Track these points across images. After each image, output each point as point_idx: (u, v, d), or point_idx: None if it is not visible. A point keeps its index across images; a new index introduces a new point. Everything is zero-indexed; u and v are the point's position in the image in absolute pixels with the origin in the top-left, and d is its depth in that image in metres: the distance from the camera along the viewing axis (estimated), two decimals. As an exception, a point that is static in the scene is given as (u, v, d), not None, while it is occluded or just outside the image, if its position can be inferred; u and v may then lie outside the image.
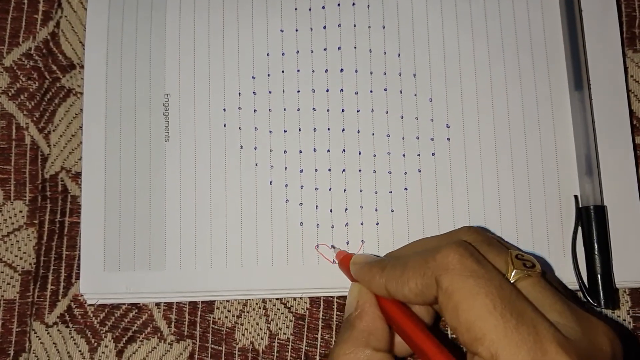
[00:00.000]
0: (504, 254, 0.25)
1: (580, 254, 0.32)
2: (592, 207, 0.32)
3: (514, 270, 0.25)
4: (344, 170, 0.33)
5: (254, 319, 0.33)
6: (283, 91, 0.34)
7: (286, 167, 0.34)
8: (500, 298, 0.23)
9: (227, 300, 0.33)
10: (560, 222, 0.33)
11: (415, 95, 0.34)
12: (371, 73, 0.34)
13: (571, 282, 0.32)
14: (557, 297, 0.24)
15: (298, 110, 0.34)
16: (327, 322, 0.33)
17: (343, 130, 0.34)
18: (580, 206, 0.32)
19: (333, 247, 0.33)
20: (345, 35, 0.35)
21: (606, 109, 0.33)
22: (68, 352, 0.33)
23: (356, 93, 0.34)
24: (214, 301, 0.33)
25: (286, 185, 0.33)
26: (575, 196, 0.32)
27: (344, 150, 0.34)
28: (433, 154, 0.33)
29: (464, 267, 0.24)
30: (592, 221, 0.32)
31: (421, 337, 0.25)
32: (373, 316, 0.27)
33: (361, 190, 0.33)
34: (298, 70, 0.34)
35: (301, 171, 0.34)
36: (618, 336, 0.24)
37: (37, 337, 0.33)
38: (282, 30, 0.35)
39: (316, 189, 0.33)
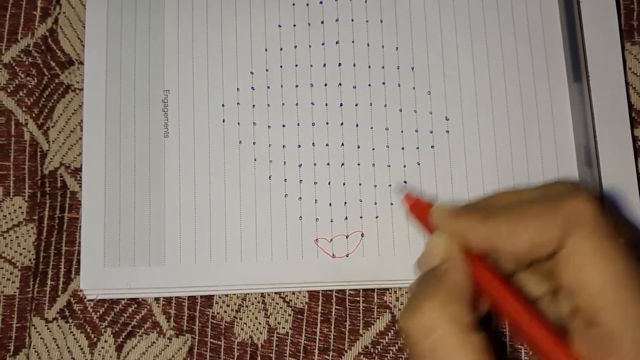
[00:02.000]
0: None
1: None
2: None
3: None
4: (342, 164, 0.33)
5: (253, 314, 0.33)
6: (281, 86, 0.34)
7: (285, 162, 0.34)
8: (632, 270, 0.20)
9: (226, 295, 0.33)
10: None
11: (414, 88, 0.34)
12: (369, 67, 0.34)
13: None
14: None
15: (296, 104, 0.34)
16: (326, 316, 0.33)
17: (342, 124, 0.34)
18: None
19: (405, 182, 0.30)
20: (343, 29, 0.35)
21: (605, 101, 0.33)
22: (68, 347, 0.33)
23: (354, 87, 0.34)
24: (213, 296, 0.33)
25: (285, 180, 0.33)
26: None
27: (342, 144, 0.34)
28: (432, 147, 0.33)
29: (598, 224, 0.21)
30: None
31: (516, 305, 0.22)
32: (464, 272, 0.23)
33: (360, 184, 0.33)
34: (296, 65, 0.34)
35: (300, 165, 0.34)
36: None
37: (37, 332, 0.33)
38: (280, 26, 0.35)
39: (315, 183, 0.33)
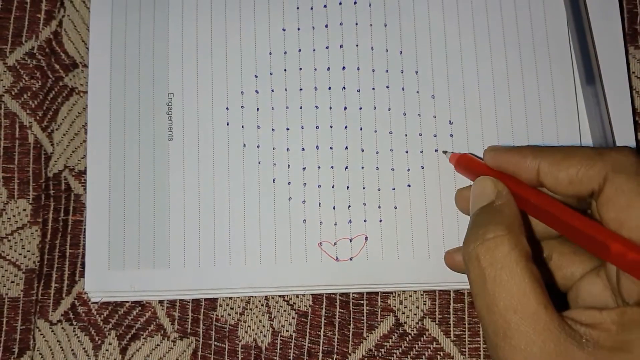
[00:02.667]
0: None
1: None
2: None
3: None
4: (346, 168, 0.34)
5: (257, 316, 0.33)
6: (285, 89, 0.34)
7: (289, 165, 0.34)
8: None
9: (230, 298, 0.33)
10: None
11: (418, 92, 0.34)
12: (373, 71, 0.34)
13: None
14: None
15: (300, 108, 0.34)
16: (329, 319, 0.33)
17: (346, 127, 0.34)
18: None
19: (445, 152, 0.33)
20: (347, 33, 0.35)
21: (609, 106, 0.33)
22: (72, 350, 0.33)
23: (358, 91, 0.34)
24: (217, 298, 0.33)
25: (289, 183, 0.34)
26: None
27: (346, 148, 0.34)
28: (436, 151, 0.33)
29: (639, 172, 0.23)
30: None
31: (570, 213, 0.24)
32: (517, 207, 0.26)
33: (364, 188, 0.33)
34: (300, 69, 0.34)
35: (304, 169, 0.34)
36: None
37: (41, 334, 0.34)
38: (284, 29, 0.35)
39: (319, 186, 0.33)
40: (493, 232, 0.24)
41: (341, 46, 0.35)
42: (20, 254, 0.34)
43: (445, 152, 0.33)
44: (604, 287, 0.25)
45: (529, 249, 0.24)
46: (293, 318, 0.33)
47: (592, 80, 0.33)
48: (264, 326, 0.33)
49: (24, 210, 0.35)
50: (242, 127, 0.34)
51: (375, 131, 0.34)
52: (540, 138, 0.33)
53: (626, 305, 0.23)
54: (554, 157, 0.25)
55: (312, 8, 0.35)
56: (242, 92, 0.35)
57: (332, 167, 0.34)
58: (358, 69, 0.34)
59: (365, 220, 0.33)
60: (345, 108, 0.34)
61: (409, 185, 0.33)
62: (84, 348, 0.33)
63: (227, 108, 0.34)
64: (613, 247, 0.22)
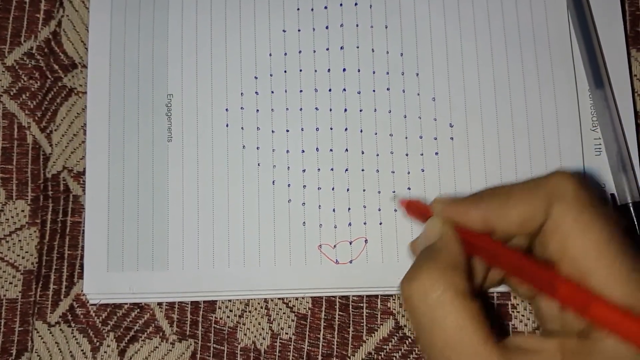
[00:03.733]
0: None
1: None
2: (630, 203, 0.31)
3: None
4: (346, 170, 0.33)
5: (256, 319, 0.33)
6: (285, 91, 0.34)
7: (289, 167, 0.34)
8: (615, 236, 0.22)
9: (229, 300, 0.33)
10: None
11: (418, 94, 0.34)
12: (374, 72, 0.34)
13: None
14: None
15: (300, 110, 0.34)
16: (329, 322, 0.33)
17: (346, 129, 0.34)
18: (619, 204, 0.32)
19: (394, 192, 0.32)
20: (348, 35, 0.34)
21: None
22: (70, 352, 0.33)
23: (359, 92, 0.34)
24: (216, 301, 0.33)
25: (289, 185, 0.33)
26: (612, 194, 0.32)
27: (346, 150, 0.34)
28: (436, 154, 0.33)
29: (579, 196, 0.23)
30: (633, 217, 0.31)
31: (519, 255, 0.24)
32: (458, 247, 0.25)
33: (364, 190, 0.33)
34: (300, 70, 0.34)
35: (304, 171, 0.34)
36: None
37: (39, 336, 0.33)
38: (284, 31, 0.35)
39: (319, 188, 0.33)
40: (427, 272, 0.24)
41: (342, 48, 0.34)
42: (18, 255, 0.34)
43: (394, 195, 0.32)
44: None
45: (465, 285, 0.24)
46: (292, 321, 0.33)
47: (600, 83, 0.33)
48: (263, 329, 0.33)
49: (23, 211, 0.35)
50: (242, 128, 0.34)
51: (376, 133, 0.34)
52: (541, 141, 0.33)
53: (569, 335, 0.23)
54: (495, 203, 0.25)
55: (312, 9, 0.35)
56: (241, 93, 0.34)
57: (332, 169, 0.33)
58: (358, 70, 0.34)
59: (365, 223, 0.33)
60: (345, 110, 0.34)
61: (409, 188, 0.33)
62: (82, 350, 0.33)
63: (226, 109, 0.34)
64: (560, 289, 0.22)
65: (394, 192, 0.33)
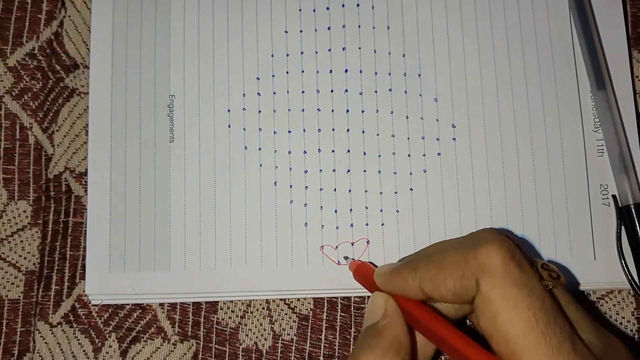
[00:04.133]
0: (530, 263, 0.24)
1: (603, 253, 0.32)
2: (632, 205, 0.32)
3: (542, 282, 0.23)
4: (348, 171, 0.33)
5: (258, 320, 0.33)
6: (287, 92, 0.34)
7: (290, 168, 0.34)
8: (543, 312, 0.22)
9: (231, 301, 0.33)
10: (567, 222, 0.32)
11: (420, 95, 0.34)
12: (376, 73, 0.34)
13: (590, 283, 0.32)
14: (581, 312, 0.24)
15: (302, 110, 0.34)
16: (331, 323, 0.33)
17: (348, 130, 0.34)
18: (620, 205, 0.32)
19: (346, 258, 0.32)
20: (350, 35, 0.34)
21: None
22: (72, 352, 0.33)
23: (361, 93, 0.34)
24: (218, 301, 0.33)
25: (291, 186, 0.33)
26: (614, 196, 0.32)
27: (348, 151, 0.34)
28: (439, 154, 0.33)
29: (507, 271, 0.22)
30: (634, 219, 0.31)
31: (453, 336, 0.24)
32: (402, 326, 0.26)
33: (366, 191, 0.33)
34: (302, 71, 0.34)
35: (306, 172, 0.34)
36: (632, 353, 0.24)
37: (41, 337, 0.33)
38: (286, 32, 0.35)
39: (321, 189, 0.33)
40: (367, 357, 0.24)
41: (344, 49, 0.34)
42: (20, 256, 0.34)
43: (346, 257, 0.32)
44: None
45: None
46: (294, 322, 0.33)
47: (602, 85, 0.33)
48: (265, 329, 0.33)
49: (24, 211, 0.35)
50: (244, 129, 0.34)
51: (378, 134, 0.34)
52: (543, 142, 0.33)
53: None
54: (429, 273, 0.25)
55: (314, 10, 0.35)
56: (243, 94, 0.34)
57: (334, 170, 0.33)
58: (360, 71, 0.34)
59: (367, 224, 0.33)
60: (347, 111, 0.34)
61: (411, 189, 0.33)
62: (84, 350, 0.33)
63: (228, 110, 0.34)
64: None
65: (345, 257, 0.32)
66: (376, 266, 0.30)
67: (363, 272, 0.30)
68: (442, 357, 0.32)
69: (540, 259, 0.25)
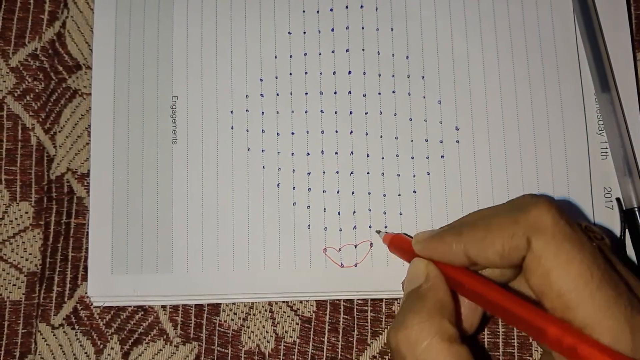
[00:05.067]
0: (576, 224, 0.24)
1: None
2: (636, 208, 0.31)
3: None
4: (352, 173, 0.33)
5: (260, 322, 0.33)
6: (291, 93, 0.34)
7: (294, 170, 0.33)
8: (596, 267, 0.22)
9: (233, 303, 0.33)
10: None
11: (424, 97, 0.34)
12: (379, 75, 0.34)
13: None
14: (627, 270, 0.24)
15: (306, 112, 0.34)
16: (333, 326, 0.33)
17: (351, 132, 0.34)
18: (625, 208, 0.32)
19: (378, 232, 0.32)
20: (354, 37, 0.34)
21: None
22: (74, 354, 0.33)
23: (364, 95, 0.34)
24: (220, 304, 0.33)
25: (294, 188, 0.33)
26: (618, 199, 0.32)
27: (352, 153, 0.33)
28: (442, 157, 0.33)
29: (559, 229, 0.22)
30: (638, 222, 0.31)
31: (500, 295, 0.24)
32: (445, 290, 0.25)
33: (369, 193, 0.33)
34: (306, 73, 0.34)
35: (309, 174, 0.33)
36: None
37: (42, 338, 0.33)
38: (290, 33, 0.35)
39: (324, 191, 0.33)
40: (412, 320, 0.24)
41: (347, 50, 0.34)
42: (22, 257, 0.34)
43: (378, 231, 0.32)
44: None
45: (454, 331, 0.24)
46: (297, 324, 0.33)
47: (607, 87, 0.33)
48: (267, 332, 0.33)
49: (26, 212, 0.34)
50: (247, 130, 0.34)
51: (381, 136, 0.34)
52: (547, 144, 0.33)
53: None
54: (475, 237, 0.24)
55: (318, 11, 0.35)
56: (246, 95, 0.34)
57: (337, 172, 0.33)
58: (364, 73, 0.34)
59: (370, 227, 0.33)
60: (351, 113, 0.34)
61: (414, 191, 0.33)
62: (85, 352, 0.33)
63: (231, 111, 0.34)
64: (549, 332, 0.21)
65: (377, 231, 0.32)
66: (410, 237, 0.29)
67: (398, 243, 0.30)
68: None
69: (583, 221, 0.25)
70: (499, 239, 0.24)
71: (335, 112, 0.34)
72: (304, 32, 0.35)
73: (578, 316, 0.21)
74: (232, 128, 0.34)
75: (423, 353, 0.23)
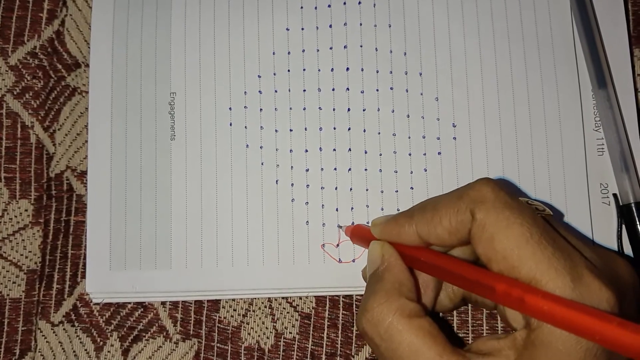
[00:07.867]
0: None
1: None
2: (633, 203, 0.32)
3: None
4: (350, 170, 0.33)
5: (260, 318, 0.33)
6: (289, 90, 0.34)
7: (292, 166, 0.34)
8: (536, 227, 0.23)
9: (233, 299, 0.33)
10: (567, 221, 0.33)
11: (422, 94, 0.34)
12: (377, 72, 0.34)
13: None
14: (569, 232, 0.25)
15: (304, 109, 0.34)
16: (333, 322, 0.33)
17: (349, 129, 0.34)
18: (621, 204, 0.32)
19: (340, 226, 0.33)
20: (351, 33, 0.34)
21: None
22: (74, 351, 0.33)
23: (362, 92, 0.34)
24: (220, 300, 0.33)
25: (292, 185, 0.33)
26: (614, 195, 0.32)
27: (349, 149, 0.34)
28: (439, 153, 0.33)
29: (498, 198, 0.24)
30: (635, 218, 0.31)
31: (453, 263, 0.25)
32: (401, 268, 0.27)
33: (367, 190, 0.33)
34: (304, 69, 0.34)
35: (307, 170, 0.34)
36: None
37: (42, 336, 0.33)
38: (288, 29, 0.35)
39: (322, 188, 0.33)
40: (372, 303, 0.25)
41: (345, 47, 0.34)
42: (21, 255, 0.34)
43: (340, 226, 0.33)
44: None
45: (413, 305, 0.25)
46: (296, 320, 0.33)
47: (603, 83, 0.33)
48: (267, 328, 0.33)
49: (26, 210, 0.35)
50: (245, 127, 0.34)
51: (379, 133, 0.34)
52: (544, 140, 0.33)
53: (515, 331, 0.24)
54: (424, 217, 0.26)
55: (316, 8, 0.35)
56: (245, 92, 0.34)
57: (335, 169, 0.33)
58: (362, 70, 0.34)
59: (368, 222, 0.33)
60: (348, 109, 0.34)
61: (411, 188, 0.33)
62: (85, 349, 0.33)
63: (230, 108, 0.34)
64: (497, 288, 0.22)
65: (339, 226, 0.33)
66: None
67: (359, 233, 0.31)
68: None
69: (524, 198, 0.27)
70: (446, 216, 0.25)
71: (333, 109, 0.34)
72: (302, 29, 0.35)
73: (522, 273, 0.22)
74: (230, 125, 0.34)
75: (387, 332, 0.24)
